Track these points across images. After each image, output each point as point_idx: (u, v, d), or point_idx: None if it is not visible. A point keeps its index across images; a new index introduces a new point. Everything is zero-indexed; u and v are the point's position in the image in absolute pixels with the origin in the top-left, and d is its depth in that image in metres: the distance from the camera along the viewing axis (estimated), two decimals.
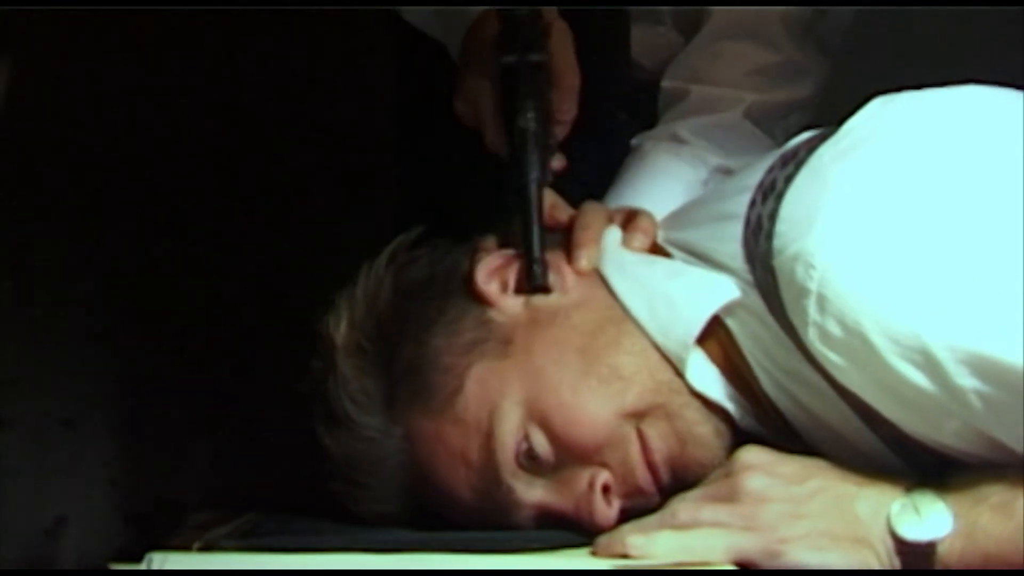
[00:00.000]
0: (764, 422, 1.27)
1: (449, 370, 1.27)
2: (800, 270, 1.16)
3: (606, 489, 1.25)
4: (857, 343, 1.14)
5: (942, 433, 1.17)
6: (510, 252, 1.33)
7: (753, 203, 1.25)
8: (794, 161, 1.24)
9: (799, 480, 1.19)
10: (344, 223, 2.27)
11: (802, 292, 1.16)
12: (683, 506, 1.21)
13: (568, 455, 1.25)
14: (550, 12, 1.43)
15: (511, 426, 1.25)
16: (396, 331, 1.30)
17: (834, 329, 1.15)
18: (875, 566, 1.16)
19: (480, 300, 1.30)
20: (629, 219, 1.38)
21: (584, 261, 1.32)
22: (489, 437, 1.25)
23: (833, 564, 1.16)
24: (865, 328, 1.14)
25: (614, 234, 1.36)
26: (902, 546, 1.16)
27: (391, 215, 1.88)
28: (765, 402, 1.26)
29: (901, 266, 1.14)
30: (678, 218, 1.38)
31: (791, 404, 1.25)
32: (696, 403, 1.26)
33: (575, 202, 1.40)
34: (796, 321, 1.18)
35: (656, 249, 1.35)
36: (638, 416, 1.25)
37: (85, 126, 2.25)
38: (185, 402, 2.23)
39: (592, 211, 1.39)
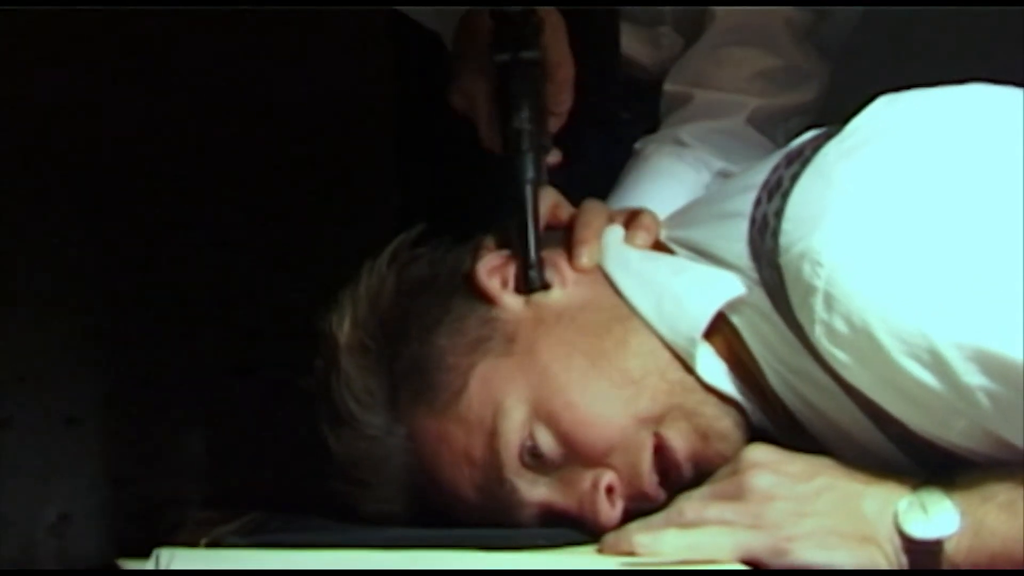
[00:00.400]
0: (771, 418, 1.27)
1: (453, 369, 1.27)
2: (807, 268, 1.16)
3: (610, 490, 1.25)
4: (864, 341, 1.14)
5: (949, 431, 1.17)
6: (511, 250, 1.33)
7: (759, 202, 1.25)
8: (799, 160, 1.25)
9: (806, 478, 1.19)
10: (344, 222, 2.27)
11: (809, 290, 1.16)
12: (690, 504, 1.21)
13: (575, 455, 1.25)
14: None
15: (515, 424, 1.24)
16: (399, 330, 1.30)
17: (841, 327, 1.15)
18: (882, 564, 1.16)
19: (482, 298, 1.30)
20: (631, 218, 1.38)
21: (585, 258, 1.32)
22: (493, 435, 1.25)
23: (840, 562, 1.16)
24: (872, 326, 1.14)
25: (616, 232, 1.36)
26: (909, 544, 1.16)
27: (391, 215, 1.88)
28: (772, 398, 1.26)
29: (908, 264, 1.14)
30: (680, 217, 1.38)
31: (798, 401, 1.25)
32: (712, 398, 1.26)
33: (578, 202, 1.40)
34: (803, 319, 1.18)
35: (659, 247, 1.35)
36: (656, 421, 1.25)
37: (87, 124, 2.25)
38: (188, 401, 2.23)
39: (593, 209, 1.39)
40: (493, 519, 1.27)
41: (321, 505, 1.31)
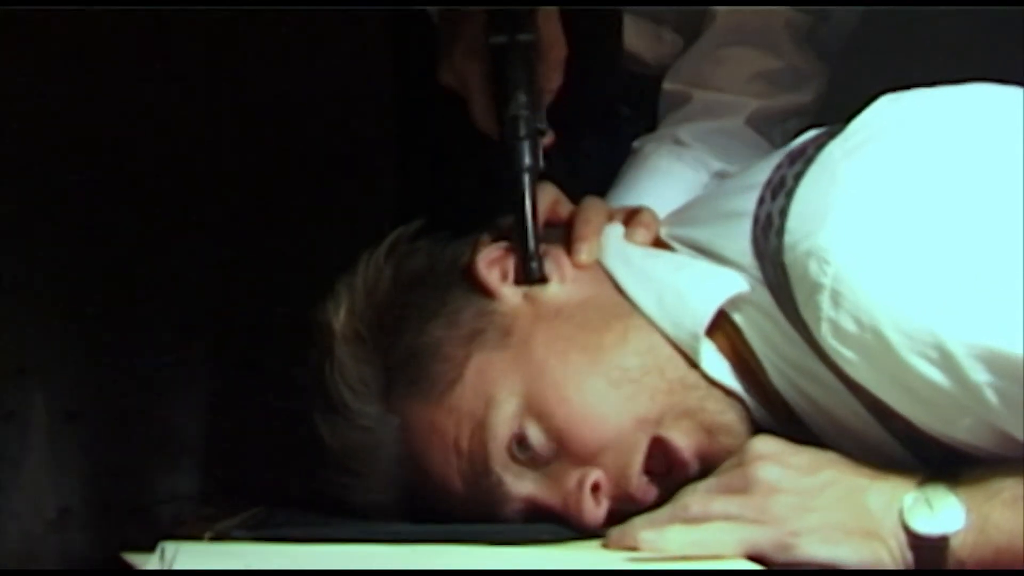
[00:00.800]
0: (773, 416, 1.27)
1: (449, 359, 1.27)
2: (813, 265, 1.16)
3: (596, 488, 1.24)
4: (871, 339, 1.14)
5: (955, 428, 1.17)
6: (509, 243, 1.32)
7: (762, 200, 1.25)
8: (803, 158, 1.25)
9: (811, 471, 1.19)
10: (344, 217, 2.27)
11: (815, 287, 1.16)
12: (694, 499, 1.20)
13: (565, 452, 1.25)
14: None
15: (505, 416, 1.24)
16: (395, 320, 1.30)
17: (848, 325, 1.15)
18: (887, 560, 1.16)
19: (481, 290, 1.30)
20: (631, 216, 1.38)
21: (585, 254, 1.32)
22: (482, 426, 1.25)
23: (844, 557, 1.16)
24: (880, 324, 1.14)
25: (616, 230, 1.36)
26: (914, 540, 1.15)
27: (391, 209, 1.87)
28: (773, 396, 1.26)
29: (916, 262, 1.14)
30: (681, 215, 1.38)
31: (800, 398, 1.25)
32: (715, 393, 1.26)
33: (578, 199, 1.40)
34: (808, 317, 1.18)
35: (659, 244, 1.35)
36: (654, 423, 1.25)
37: (89, 121, 2.24)
38: (190, 396, 2.23)
39: (592, 206, 1.39)
40: (479, 512, 1.26)
41: (322, 500, 1.31)
